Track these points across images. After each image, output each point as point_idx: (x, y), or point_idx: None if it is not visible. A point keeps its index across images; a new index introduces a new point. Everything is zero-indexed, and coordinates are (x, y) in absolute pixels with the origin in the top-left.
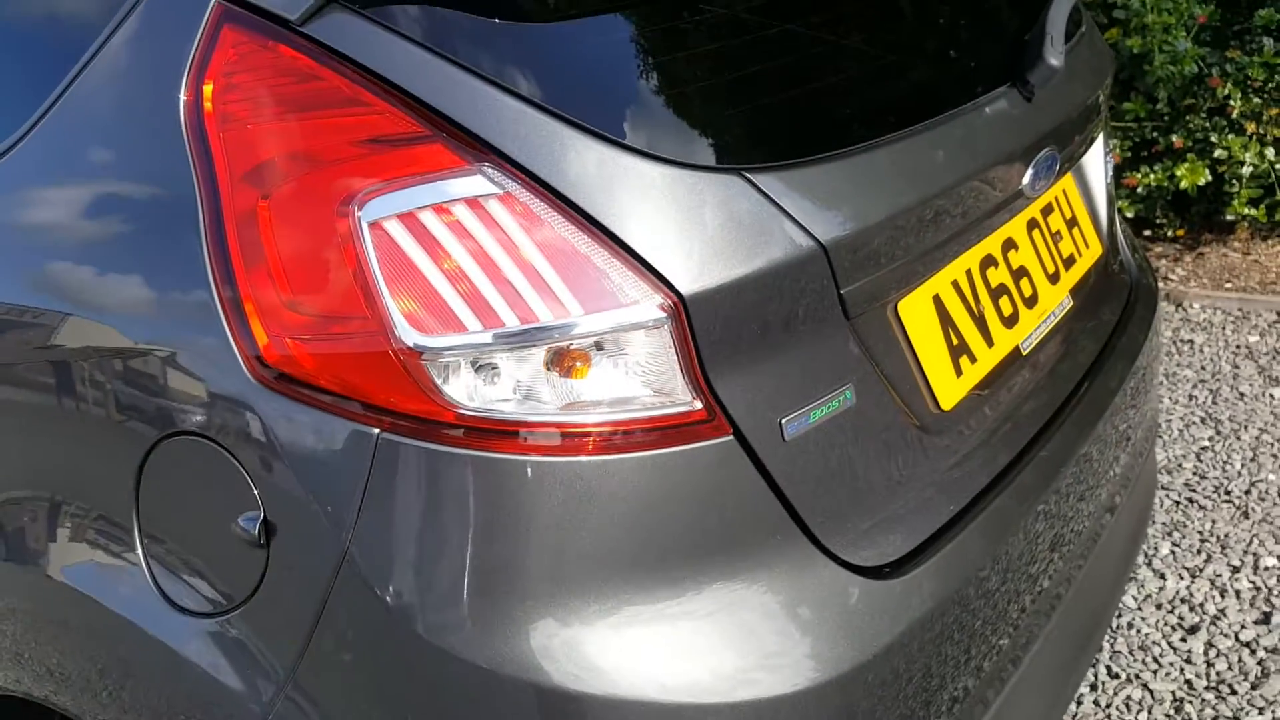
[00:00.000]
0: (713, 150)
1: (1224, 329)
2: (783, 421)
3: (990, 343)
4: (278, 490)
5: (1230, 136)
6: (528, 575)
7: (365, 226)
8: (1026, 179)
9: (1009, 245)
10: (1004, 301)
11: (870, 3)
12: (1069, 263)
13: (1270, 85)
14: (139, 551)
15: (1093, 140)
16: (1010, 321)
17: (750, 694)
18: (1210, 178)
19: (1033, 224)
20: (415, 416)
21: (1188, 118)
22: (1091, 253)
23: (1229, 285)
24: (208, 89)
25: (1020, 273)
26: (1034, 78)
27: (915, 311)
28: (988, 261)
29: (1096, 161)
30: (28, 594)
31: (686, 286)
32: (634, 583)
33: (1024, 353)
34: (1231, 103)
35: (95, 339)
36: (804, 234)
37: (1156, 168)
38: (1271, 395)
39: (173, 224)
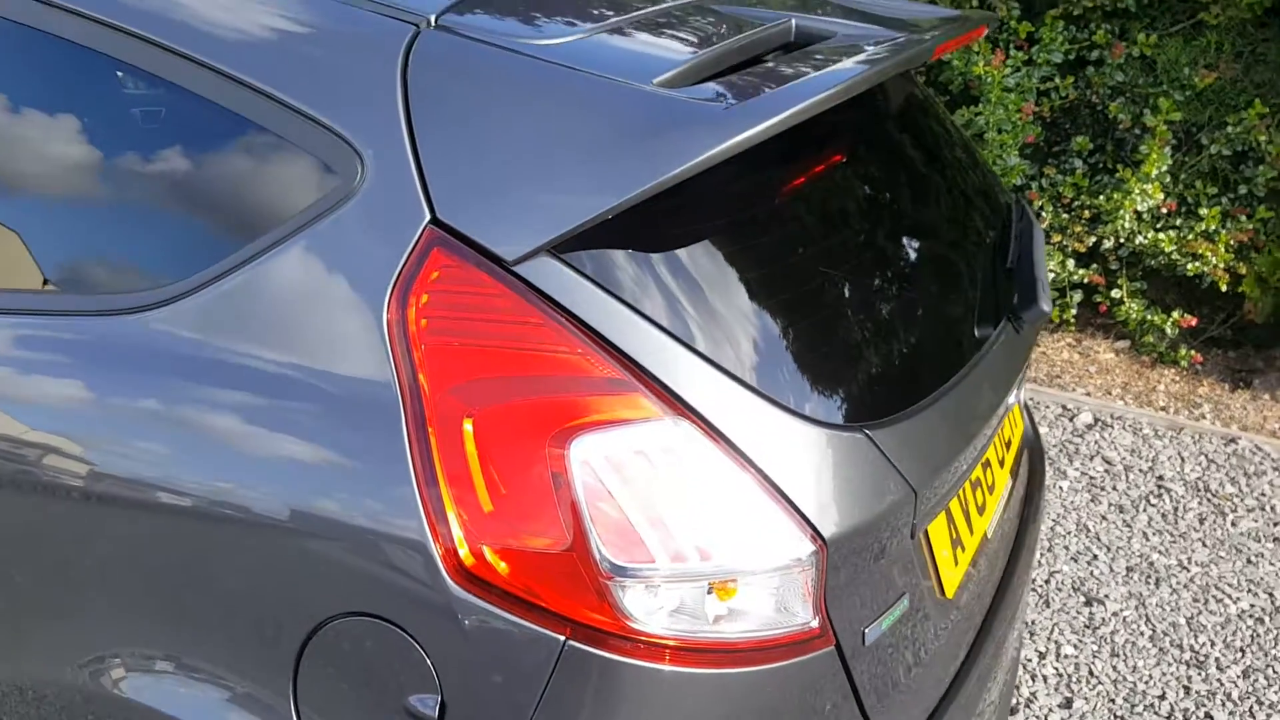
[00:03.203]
0: (845, 411)
1: None
2: (865, 630)
3: (972, 531)
4: (459, 678)
5: None
6: None
7: (575, 462)
8: (1012, 396)
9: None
10: (978, 493)
11: (925, 277)
12: (1008, 445)
13: (1076, 203)
14: (293, 715)
15: None
16: (982, 509)
17: None
18: None
19: None
20: (595, 628)
21: None
22: (1019, 430)
23: None
24: (412, 305)
25: (985, 464)
26: (1028, 316)
27: (937, 521)
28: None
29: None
30: None
31: (829, 531)
32: None
33: (989, 537)
34: (1043, 215)
35: (279, 514)
36: (903, 481)
37: None
38: (1060, 488)
39: (372, 420)
